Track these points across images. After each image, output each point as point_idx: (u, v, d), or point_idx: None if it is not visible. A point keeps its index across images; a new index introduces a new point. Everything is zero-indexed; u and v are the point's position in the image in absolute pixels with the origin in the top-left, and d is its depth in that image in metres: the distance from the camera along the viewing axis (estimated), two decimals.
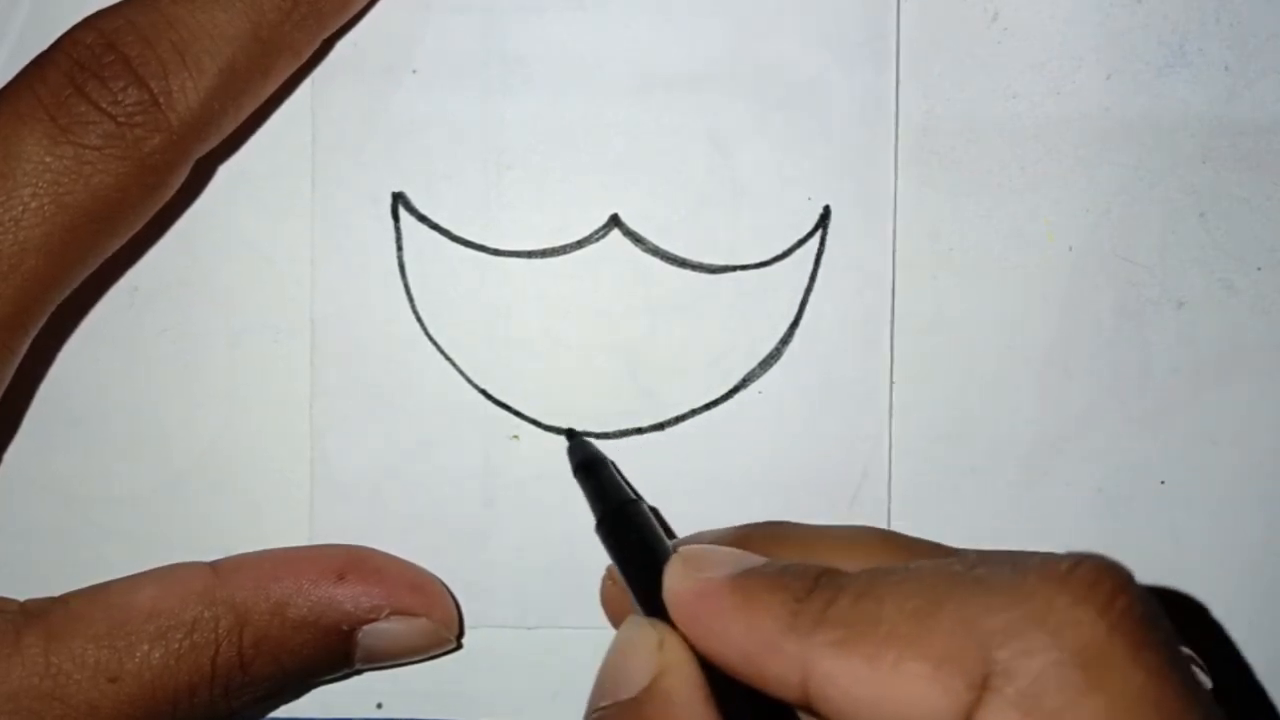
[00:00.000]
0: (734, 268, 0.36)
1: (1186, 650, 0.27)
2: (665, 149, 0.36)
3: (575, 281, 0.36)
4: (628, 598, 0.31)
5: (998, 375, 0.37)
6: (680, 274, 0.36)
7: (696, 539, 0.33)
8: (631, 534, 0.31)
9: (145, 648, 0.31)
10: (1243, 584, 0.37)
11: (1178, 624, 0.25)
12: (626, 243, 0.36)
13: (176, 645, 0.32)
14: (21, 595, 0.32)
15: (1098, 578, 0.24)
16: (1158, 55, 0.37)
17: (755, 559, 0.28)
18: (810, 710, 0.26)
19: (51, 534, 0.36)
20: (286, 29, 0.33)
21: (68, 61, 0.31)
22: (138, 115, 0.31)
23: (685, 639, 0.28)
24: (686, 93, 0.36)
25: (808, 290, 0.36)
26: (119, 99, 0.31)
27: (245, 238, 0.36)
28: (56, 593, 0.32)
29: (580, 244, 0.36)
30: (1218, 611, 0.37)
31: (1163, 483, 0.37)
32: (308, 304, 0.36)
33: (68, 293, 0.32)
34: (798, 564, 0.27)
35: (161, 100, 0.31)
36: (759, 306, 0.36)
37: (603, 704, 0.28)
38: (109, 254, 0.33)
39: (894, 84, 0.36)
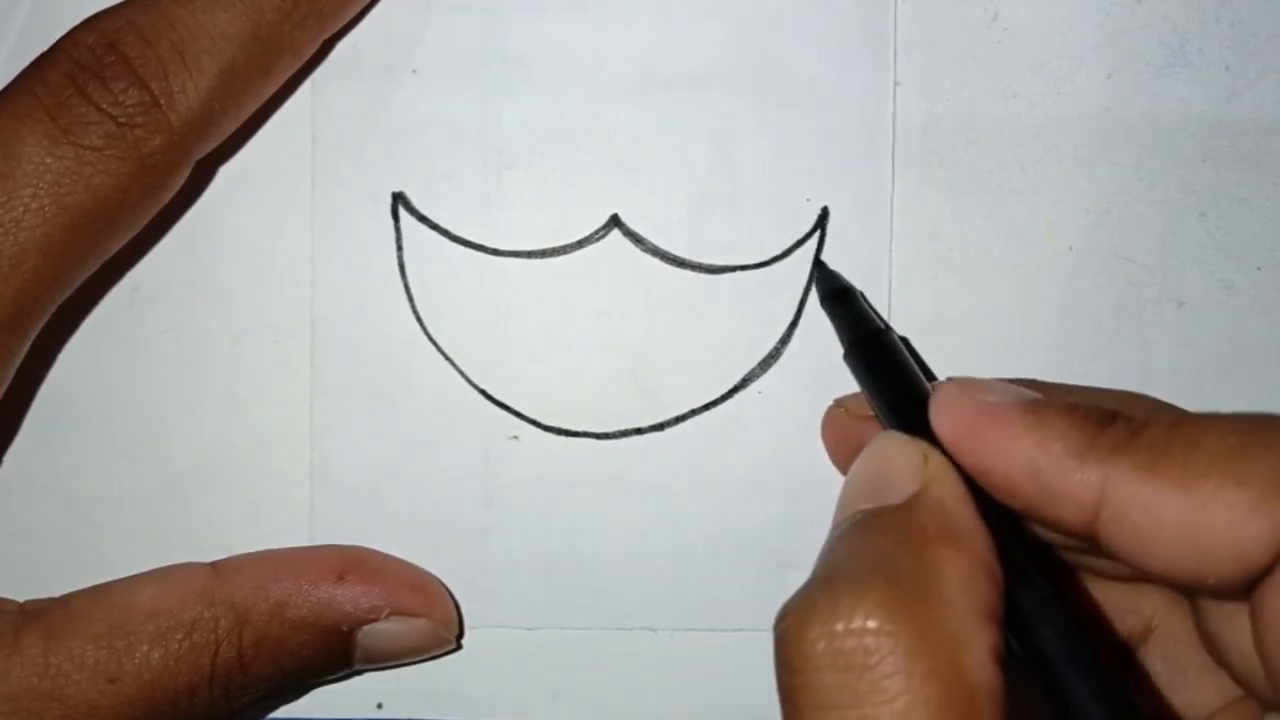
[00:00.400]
0: (733, 268, 0.36)
1: None
2: (665, 149, 0.36)
3: (575, 282, 0.36)
4: (856, 426, 0.31)
5: (998, 375, 0.37)
6: (680, 274, 0.36)
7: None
8: (886, 358, 0.32)
9: (145, 648, 0.31)
10: None
11: None
12: (626, 243, 0.36)
13: (176, 646, 0.32)
14: (21, 595, 0.32)
15: None
16: (1158, 55, 0.37)
17: (1035, 394, 0.28)
18: (1090, 539, 0.25)
19: (51, 534, 0.36)
20: (287, 29, 0.33)
21: (68, 62, 0.31)
22: (138, 116, 0.31)
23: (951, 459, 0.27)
24: (686, 93, 0.36)
25: (807, 290, 0.36)
26: (120, 100, 0.31)
27: (246, 238, 0.36)
28: (56, 593, 0.32)
29: (580, 244, 0.36)
30: None
31: None
32: (308, 304, 0.36)
33: (68, 293, 0.32)
34: (1090, 404, 0.27)
35: (162, 101, 0.31)
36: (758, 306, 0.36)
37: (865, 506, 0.27)
38: (110, 255, 0.33)
39: (892, 84, 0.36)
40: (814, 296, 0.36)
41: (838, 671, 0.23)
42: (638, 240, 0.36)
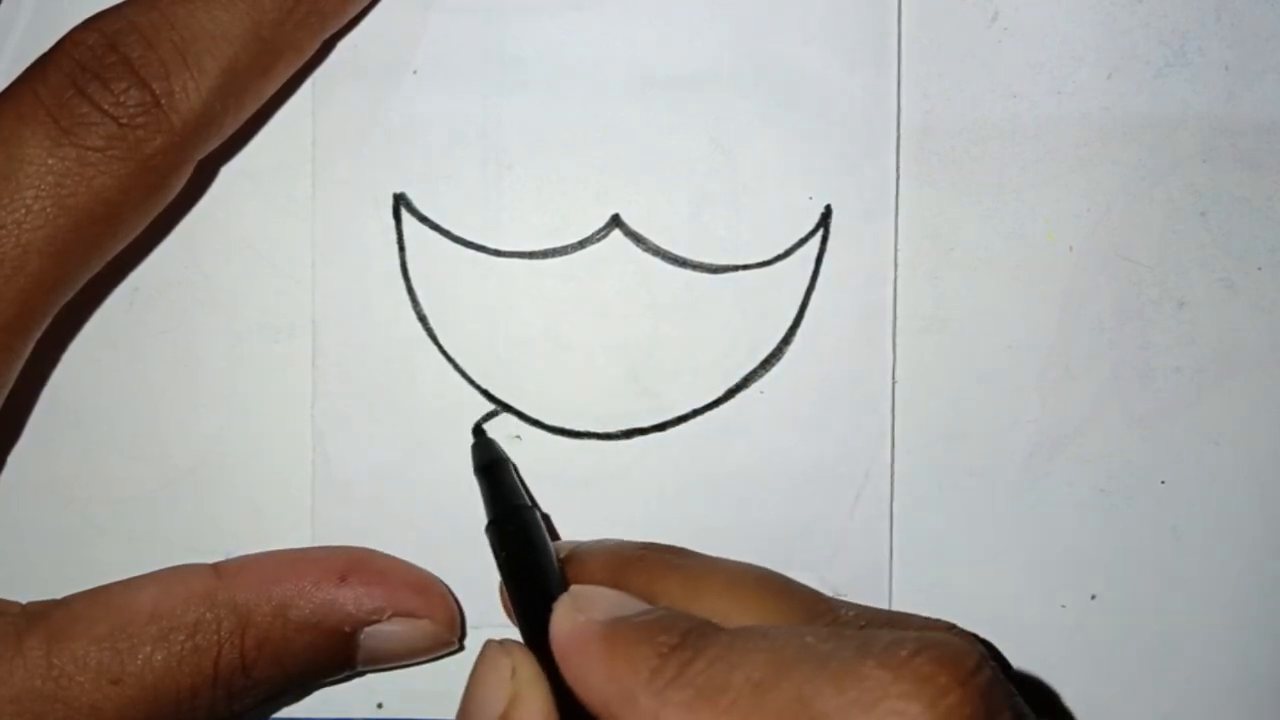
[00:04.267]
0: (735, 267, 0.36)
1: None
2: (666, 149, 0.36)
3: (576, 282, 0.36)
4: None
5: (999, 375, 0.37)
6: (681, 274, 0.36)
7: (596, 547, 0.33)
8: (517, 543, 0.32)
9: (147, 649, 0.31)
10: (1243, 584, 0.37)
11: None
12: (627, 243, 0.36)
13: (179, 647, 0.31)
14: (23, 596, 0.32)
15: (934, 669, 0.24)
16: (1158, 55, 0.37)
17: (636, 605, 0.29)
18: None
19: (52, 534, 0.36)
20: (288, 29, 0.33)
21: (69, 63, 0.31)
22: (140, 116, 0.31)
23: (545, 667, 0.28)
24: (687, 93, 0.36)
25: (809, 290, 0.36)
26: (121, 100, 0.31)
27: (247, 239, 0.36)
28: (58, 594, 0.32)
29: (581, 244, 0.36)
30: (1218, 611, 0.37)
31: (1163, 483, 0.37)
32: (309, 305, 0.36)
33: (71, 294, 0.32)
34: (670, 615, 0.28)
35: (163, 101, 0.31)
36: (760, 306, 0.36)
37: None
38: (111, 255, 0.33)
39: (895, 83, 0.36)
40: (817, 296, 0.36)
41: None
42: (639, 240, 0.36)
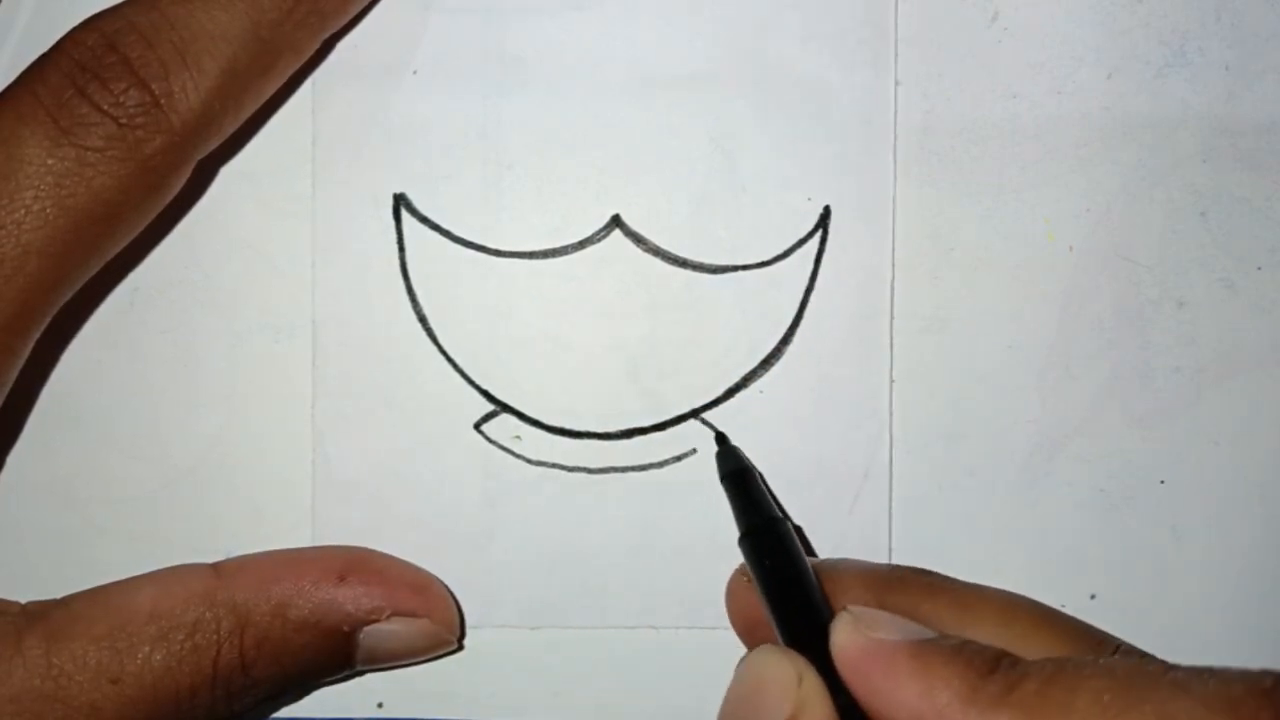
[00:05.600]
0: (735, 268, 0.36)
1: None
2: (665, 149, 0.36)
3: (576, 282, 0.36)
4: (755, 600, 0.31)
5: (998, 375, 0.37)
6: (681, 274, 0.36)
7: (844, 565, 0.33)
8: (778, 555, 0.31)
9: (147, 649, 0.31)
10: (1243, 584, 0.37)
11: None
12: (627, 243, 0.36)
13: (178, 647, 0.32)
14: (23, 596, 0.32)
15: None
16: (1158, 55, 0.37)
17: (927, 631, 0.28)
18: None
19: (52, 534, 0.36)
20: (287, 28, 0.33)
21: (69, 63, 0.31)
22: (139, 117, 0.31)
23: (822, 677, 0.28)
24: (686, 93, 0.36)
25: (808, 290, 0.36)
26: (120, 100, 0.31)
27: (246, 239, 0.36)
28: (57, 593, 0.32)
29: (581, 244, 0.36)
30: (1218, 611, 0.37)
31: (1163, 483, 0.37)
32: (309, 305, 0.36)
33: (70, 294, 0.32)
34: (976, 643, 0.27)
35: (163, 101, 0.31)
36: (759, 306, 0.36)
37: None
38: (111, 256, 0.33)
39: (893, 84, 0.36)
40: (816, 296, 0.36)
41: None
42: (639, 240, 0.36)
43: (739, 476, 0.34)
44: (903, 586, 0.32)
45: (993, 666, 0.26)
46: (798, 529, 0.34)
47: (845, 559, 0.34)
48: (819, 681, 0.28)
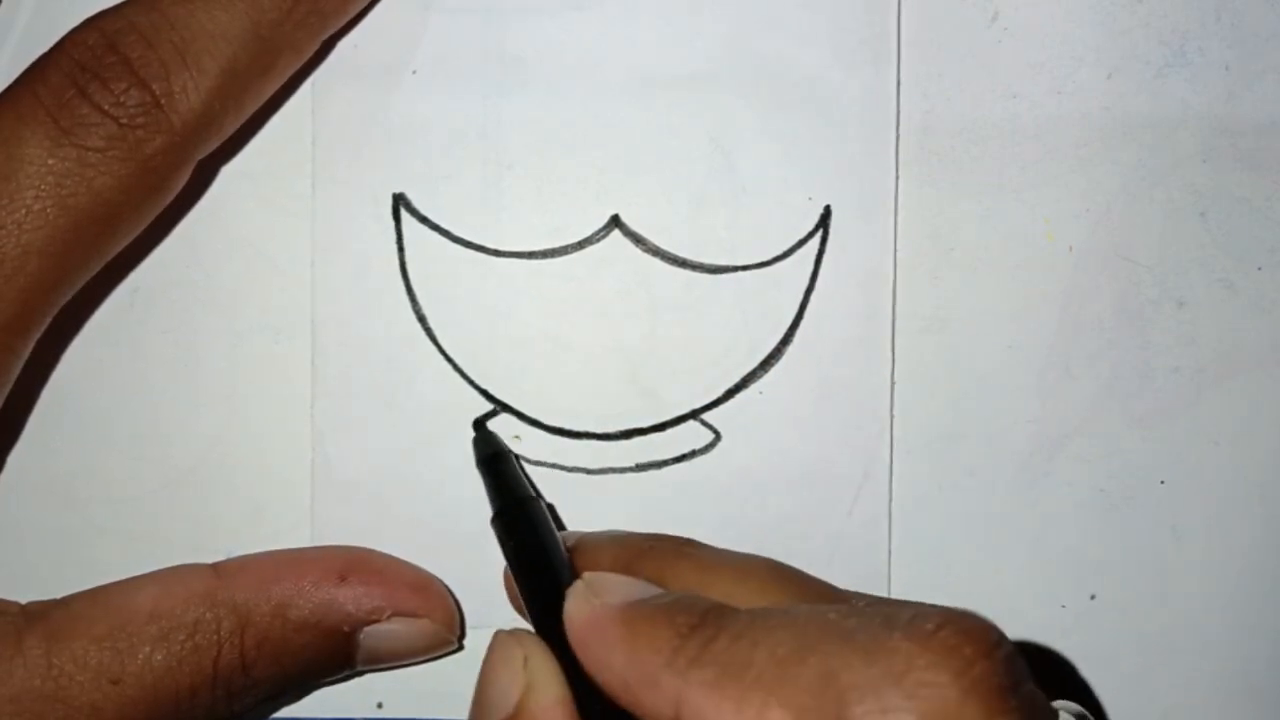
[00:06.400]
0: (735, 268, 0.36)
1: (1072, 705, 0.28)
2: (665, 149, 0.36)
3: (576, 282, 0.36)
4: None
5: (998, 375, 0.37)
6: (681, 274, 0.36)
7: (603, 538, 0.33)
8: (522, 534, 0.32)
9: (147, 649, 0.31)
10: (1242, 584, 0.37)
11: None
12: (627, 243, 0.36)
13: (178, 647, 0.32)
14: (22, 596, 0.32)
15: (960, 641, 0.24)
16: (1158, 55, 0.37)
17: (651, 589, 0.29)
18: None
19: (52, 534, 0.36)
20: (287, 28, 0.33)
21: (69, 63, 0.31)
22: (140, 117, 0.31)
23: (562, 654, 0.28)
24: (686, 93, 0.36)
25: (808, 290, 0.36)
26: (121, 100, 0.31)
27: (246, 239, 0.36)
28: (57, 594, 0.32)
29: (581, 244, 0.36)
30: (1218, 611, 0.37)
31: (1163, 483, 0.37)
32: (309, 305, 0.36)
33: (71, 294, 0.32)
34: (688, 597, 0.28)
35: (163, 101, 0.31)
36: (759, 306, 0.36)
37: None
38: (111, 256, 0.33)
39: (894, 84, 0.36)
40: (816, 296, 0.36)
41: None
42: (638, 240, 0.36)
43: (493, 460, 0.34)
44: (651, 555, 0.32)
45: (697, 621, 0.26)
46: (550, 507, 0.35)
47: (608, 531, 0.34)
48: (547, 659, 0.28)
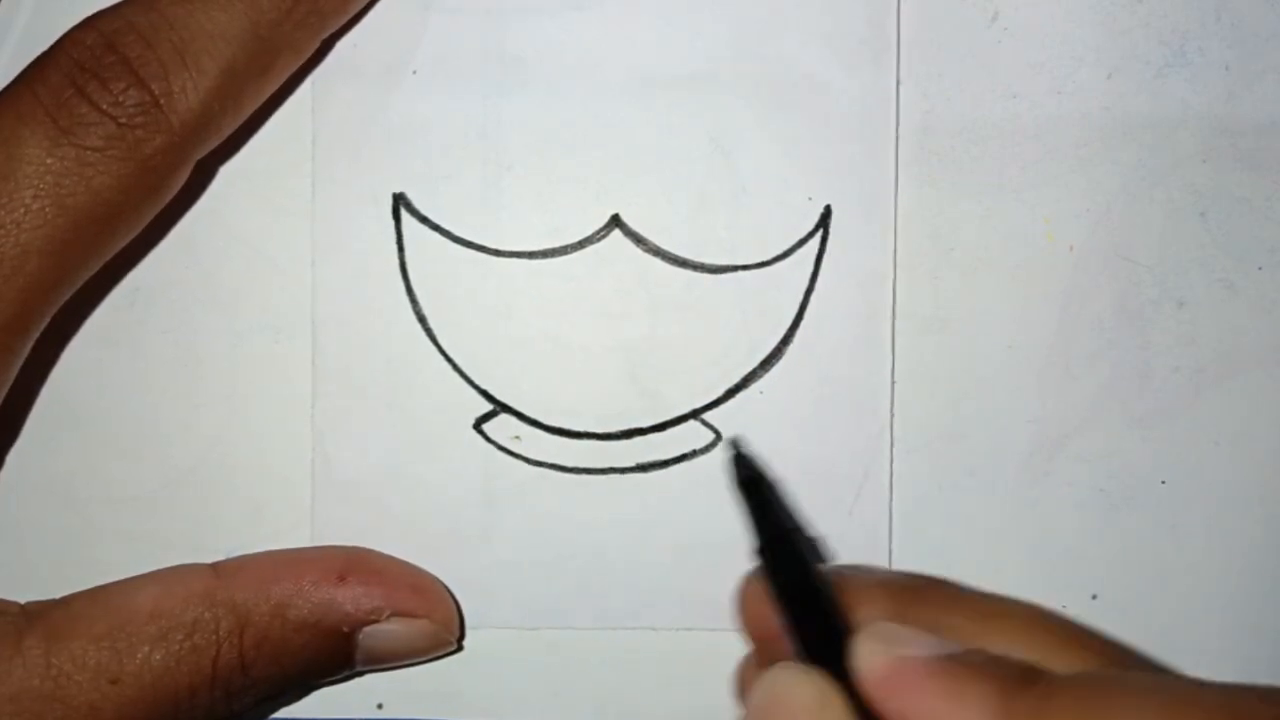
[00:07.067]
0: (735, 268, 0.36)
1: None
2: (665, 149, 0.36)
3: (576, 282, 0.36)
4: (769, 613, 0.30)
5: (998, 375, 0.37)
6: (681, 274, 0.36)
7: (860, 574, 0.32)
8: (796, 570, 0.30)
9: (146, 649, 0.31)
10: (1243, 584, 0.37)
11: None
12: (627, 243, 0.36)
13: (177, 647, 0.32)
14: (22, 596, 0.32)
15: None
16: (1158, 55, 0.37)
17: (954, 645, 0.28)
18: None
19: (51, 534, 0.36)
20: (287, 28, 0.33)
21: (68, 62, 0.31)
22: (139, 116, 0.31)
23: (850, 698, 0.27)
24: (687, 93, 0.36)
25: (808, 290, 0.36)
26: (120, 100, 0.31)
27: (246, 238, 0.36)
28: (57, 593, 0.32)
29: (581, 244, 0.36)
30: (1218, 611, 0.37)
31: (1163, 483, 0.37)
32: (309, 305, 0.36)
33: (70, 294, 0.32)
34: (1005, 658, 0.27)
35: (162, 101, 0.31)
36: (760, 306, 0.36)
37: None
38: (111, 255, 0.33)
39: (894, 84, 0.36)
40: (816, 296, 0.36)
41: None
42: (639, 240, 0.36)
43: (753, 485, 0.32)
44: (923, 598, 0.31)
45: (1023, 681, 0.26)
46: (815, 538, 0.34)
47: (859, 566, 0.33)
48: (842, 702, 0.27)
